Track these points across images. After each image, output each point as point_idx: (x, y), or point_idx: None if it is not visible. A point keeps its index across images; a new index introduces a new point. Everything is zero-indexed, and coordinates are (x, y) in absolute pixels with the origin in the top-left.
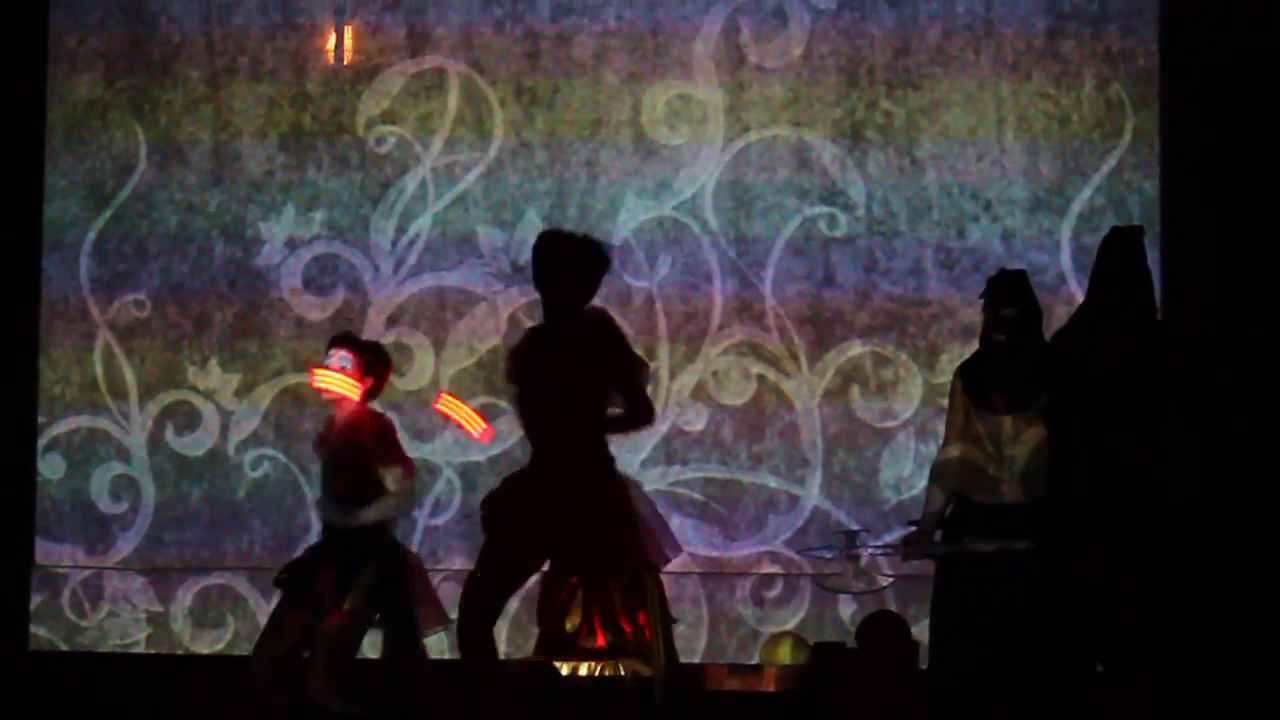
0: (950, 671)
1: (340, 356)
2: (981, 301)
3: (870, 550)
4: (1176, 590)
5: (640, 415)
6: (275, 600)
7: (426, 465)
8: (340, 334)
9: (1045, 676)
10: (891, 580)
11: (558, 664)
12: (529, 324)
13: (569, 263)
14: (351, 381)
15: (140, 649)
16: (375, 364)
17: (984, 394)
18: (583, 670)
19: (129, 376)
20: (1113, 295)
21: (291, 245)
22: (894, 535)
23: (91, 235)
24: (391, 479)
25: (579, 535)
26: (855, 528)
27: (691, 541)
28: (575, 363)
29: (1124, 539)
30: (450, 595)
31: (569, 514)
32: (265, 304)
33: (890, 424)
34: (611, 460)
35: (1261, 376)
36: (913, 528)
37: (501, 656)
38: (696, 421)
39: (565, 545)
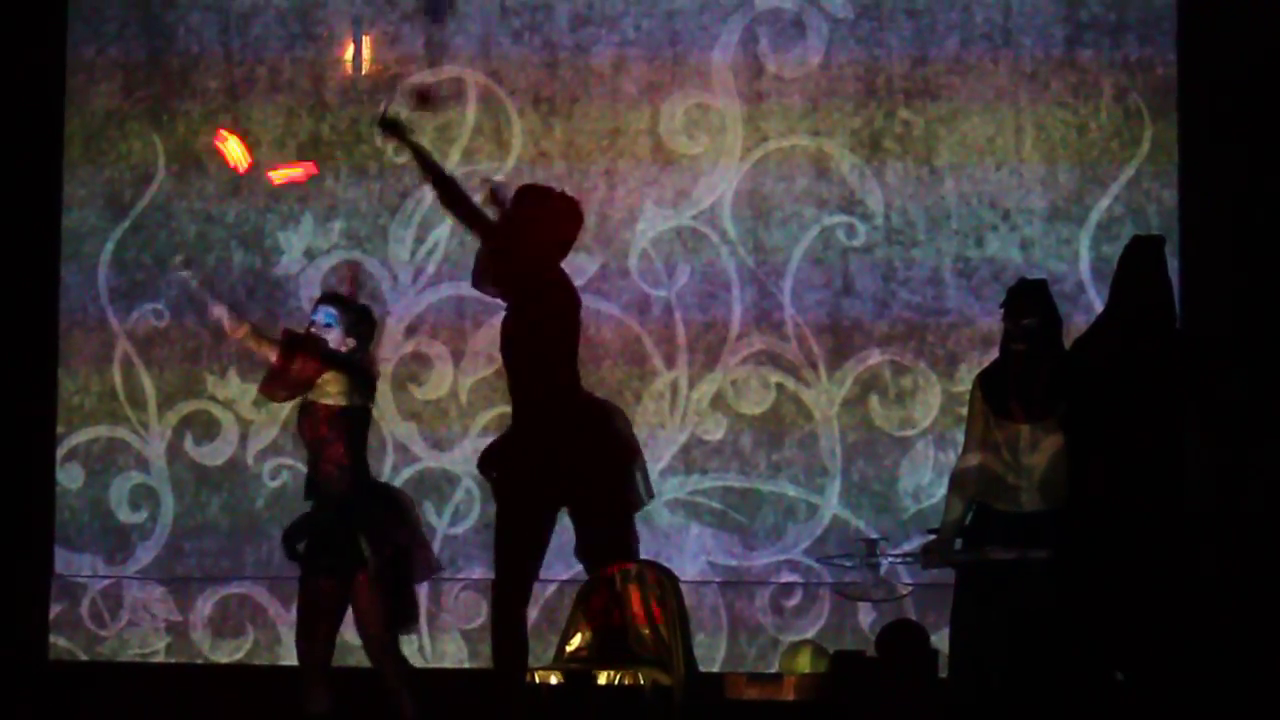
0: (970, 680)
1: (325, 312)
2: (1001, 310)
3: (889, 559)
4: (1194, 598)
5: None
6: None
7: (446, 475)
8: (328, 293)
9: (1064, 685)
10: (911, 589)
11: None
12: None
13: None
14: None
15: (160, 658)
16: (360, 325)
17: (1003, 402)
18: (601, 679)
19: (148, 386)
20: (1133, 305)
21: (310, 255)
22: (913, 544)
23: (110, 245)
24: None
25: (582, 470)
26: (875, 536)
27: (711, 550)
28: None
29: (1142, 548)
30: (468, 604)
31: (566, 453)
32: (284, 314)
33: (909, 433)
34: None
35: None
36: (932, 536)
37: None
38: (715, 431)
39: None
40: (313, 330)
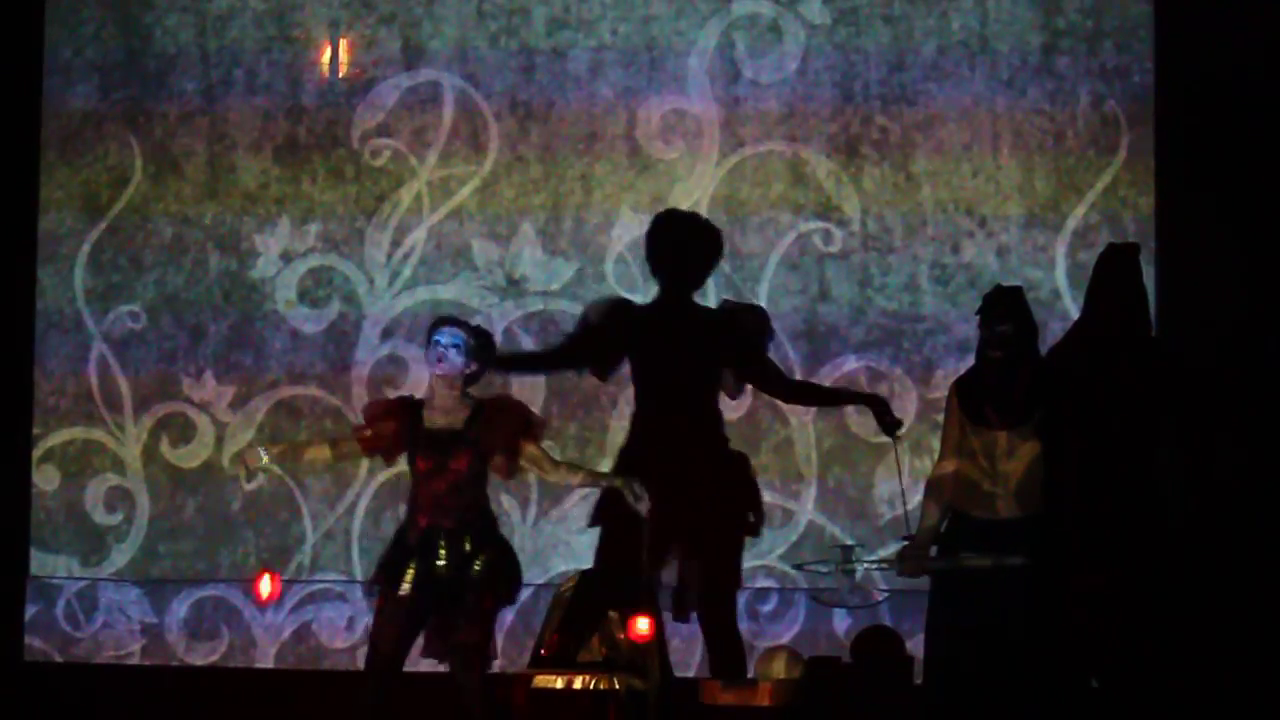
0: (945, 687)
1: (450, 333)
2: (977, 317)
3: (865, 565)
4: (1170, 606)
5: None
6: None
7: None
8: (445, 316)
9: (1039, 692)
10: (886, 595)
11: (552, 677)
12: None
13: (686, 244)
14: None
15: (135, 660)
16: (485, 350)
17: (979, 409)
18: (577, 684)
19: (124, 388)
20: (1107, 312)
21: (286, 258)
22: (889, 550)
23: (86, 247)
24: None
25: (703, 505)
26: (850, 542)
27: None
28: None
29: (1118, 555)
30: None
31: (694, 485)
32: (260, 316)
33: (885, 439)
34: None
35: (1256, 393)
36: (907, 543)
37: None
38: None
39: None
40: (434, 350)
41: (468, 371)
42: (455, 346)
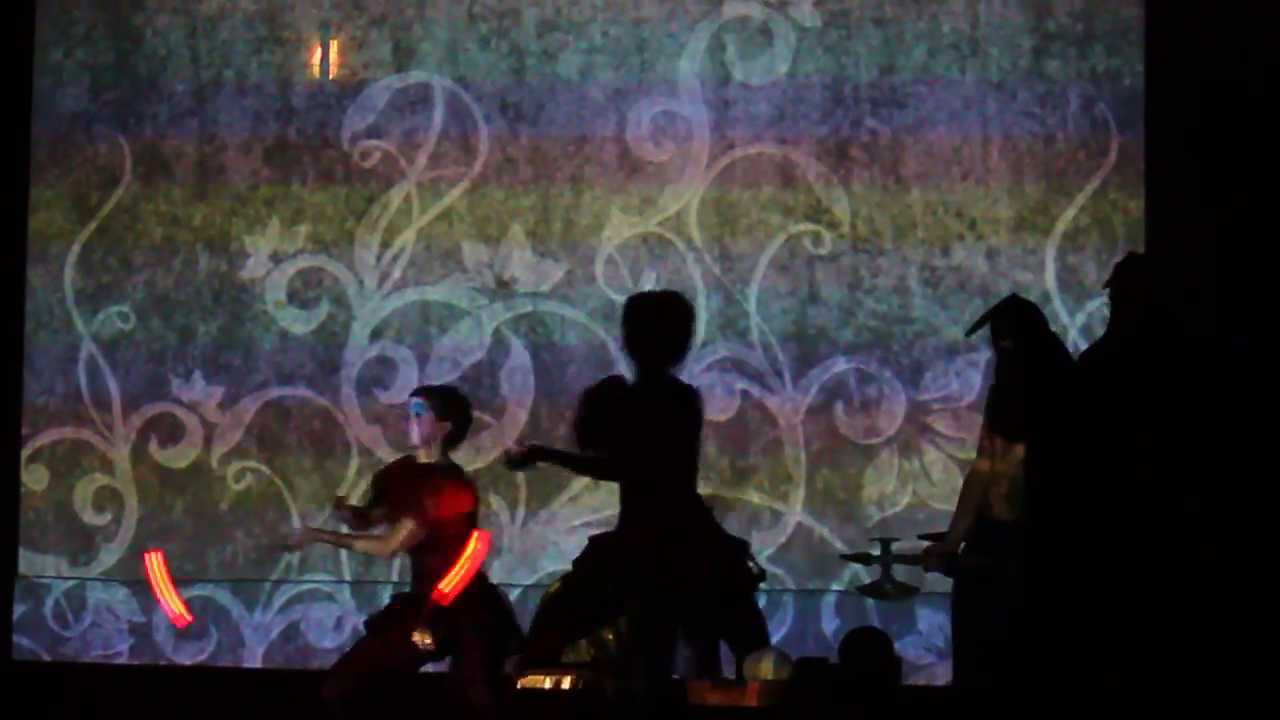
0: (974, 682)
1: (415, 403)
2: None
3: (895, 558)
4: (1159, 605)
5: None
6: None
7: None
8: (419, 388)
9: (1029, 691)
10: (919, 589)
11: (540, 677)
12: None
13: (657, 325)
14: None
15: (123, 659)
16: (450, 408)
17: (992, 417)
18: (565, 684)
19: (113, 388)
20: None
21: (276, 258)
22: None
23: (76, 247)
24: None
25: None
26: (890, 536)
27: None
28: (667, 424)
29: (1106, 555)
30: None
31: (674, 575)
32: (249, 317)
33: (874, 441)
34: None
35: (1245, 394)
36: (926, 542)
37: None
38: None
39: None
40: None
41: (441, 434)
42: (418, 416)
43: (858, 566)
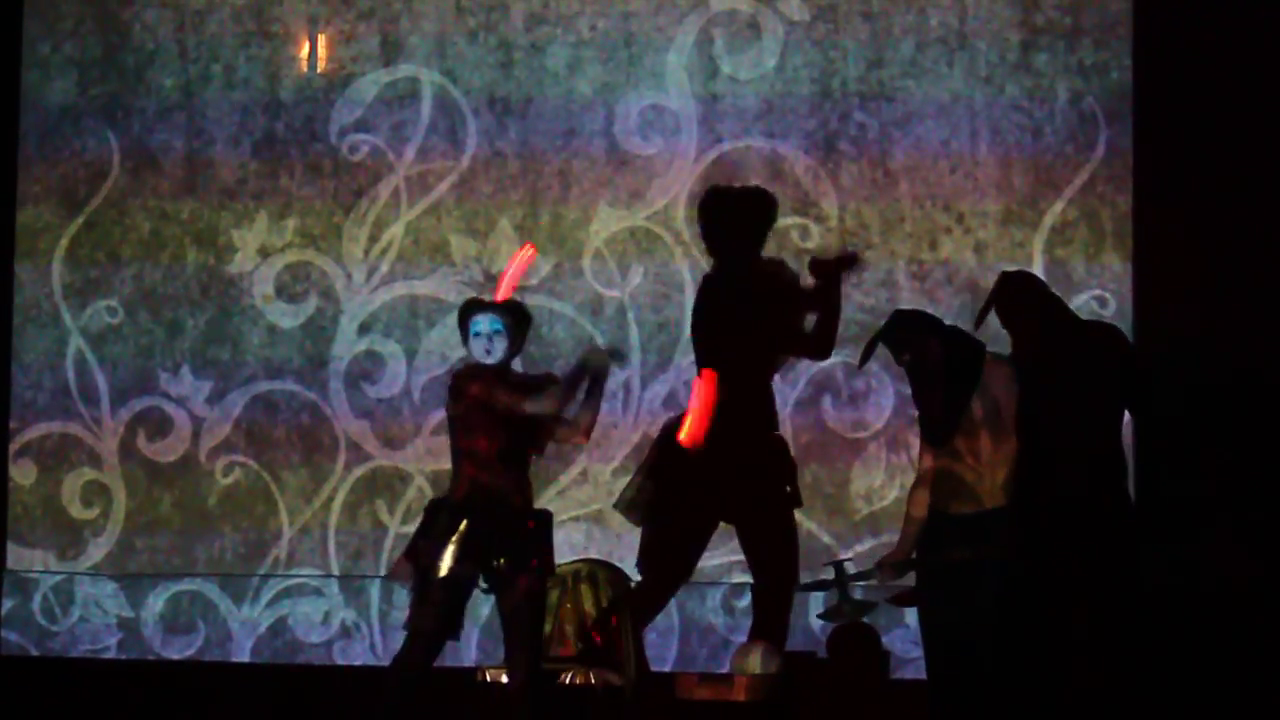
0: (954, 681)
1: (491, 319)
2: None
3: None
4: (1135, 595)
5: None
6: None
7: (398, 473)
8: (477, 299)
9: (1015, 681)
10: (878, 602)
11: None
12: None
13: (735, 216)
14: None
15: (111, 654)
16: (523, 327)
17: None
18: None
19: (101, 383)
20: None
21: (264, 253)
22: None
23: (64, 242)
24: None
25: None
26: (842, 557)
27: None
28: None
29: (1086, 543)
30: None
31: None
32: (237, 311)
33: (862, 434)
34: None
35: (1231, 387)
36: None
37: (475, 664)
38: None
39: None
40: (483, 344)
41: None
42: (498, 333)
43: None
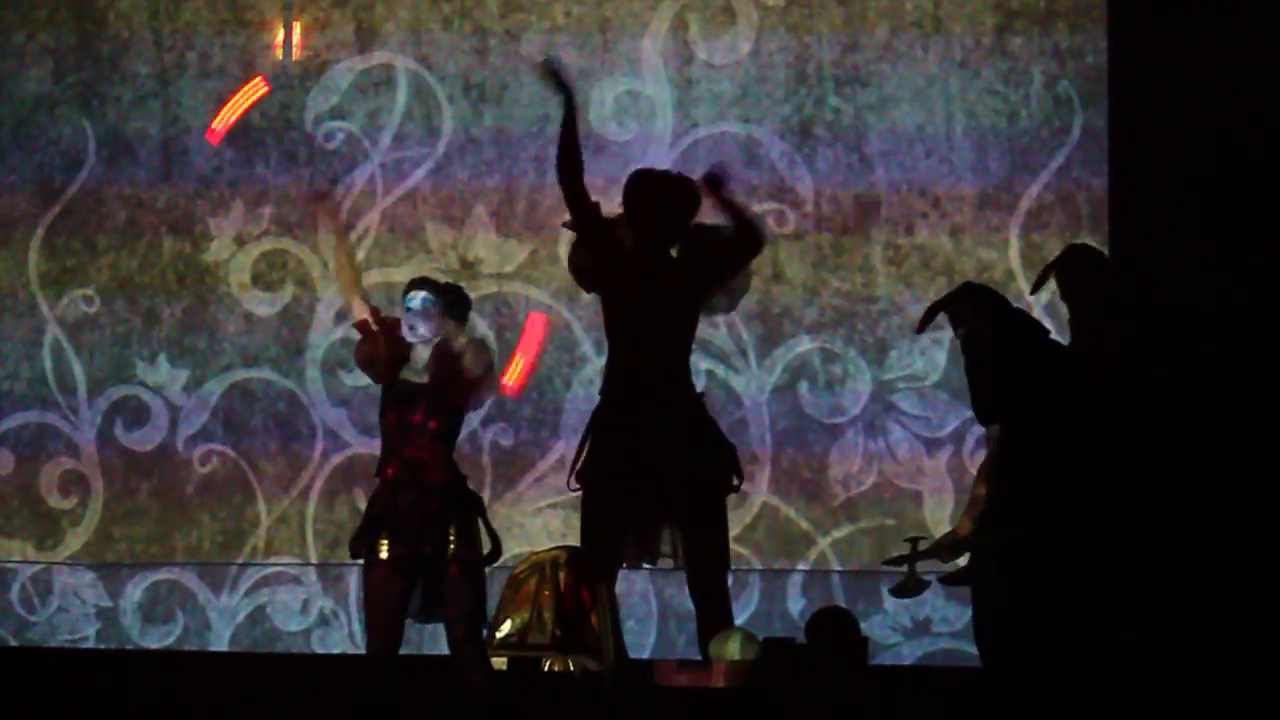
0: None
1: (421, 297)
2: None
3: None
4: (1133, 579)
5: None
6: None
7: (376, 461)
8: (418, 278)
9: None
10: (931, 581)
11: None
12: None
13: (660, 203)
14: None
15: (90, 644)
16: (458, 306)
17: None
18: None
19: (78, 371)
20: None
21: (240, 241)
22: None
23: (40, 230)
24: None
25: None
26: (915, 535)
27: None
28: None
29: (1081, 528)
30: None
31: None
32: (214, 299)
33: (839, 420)
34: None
35: (1207, 370)
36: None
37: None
38: None
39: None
40: (407, 317)
41: (443, 334)
42: (424, 312)
43: (823, 547)
